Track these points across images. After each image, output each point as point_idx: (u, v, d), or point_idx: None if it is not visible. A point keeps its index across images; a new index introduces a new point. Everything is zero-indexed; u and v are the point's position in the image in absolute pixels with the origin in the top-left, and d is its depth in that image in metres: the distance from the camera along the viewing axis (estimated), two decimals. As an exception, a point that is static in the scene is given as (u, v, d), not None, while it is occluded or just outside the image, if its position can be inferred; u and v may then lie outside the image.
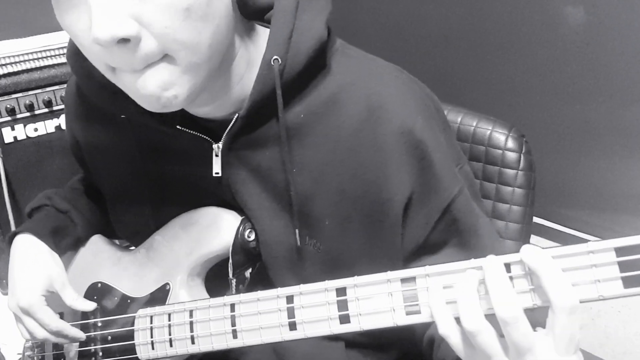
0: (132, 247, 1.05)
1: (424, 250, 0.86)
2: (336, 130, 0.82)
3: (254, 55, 0.83)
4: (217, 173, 0.87)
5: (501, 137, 1.17)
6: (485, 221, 0.88)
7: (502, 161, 1.17)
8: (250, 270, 0.92)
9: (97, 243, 1.09)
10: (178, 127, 0.86)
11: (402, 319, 0.67)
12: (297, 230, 0.85)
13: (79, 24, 0.67)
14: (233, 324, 0.78)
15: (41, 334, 0.96)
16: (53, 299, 0.97)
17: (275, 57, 0.78)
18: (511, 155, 1.16)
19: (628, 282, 0.56)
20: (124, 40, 0.65)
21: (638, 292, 0.56)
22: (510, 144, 1.16)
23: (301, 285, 0.73)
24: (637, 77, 1.41)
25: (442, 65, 1.79)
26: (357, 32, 1.95)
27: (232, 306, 0.79)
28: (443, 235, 0.85)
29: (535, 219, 1.21)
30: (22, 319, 0.96)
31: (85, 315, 1.00)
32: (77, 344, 1.00)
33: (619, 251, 0.57)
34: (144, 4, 0.65)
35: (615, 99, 1.46)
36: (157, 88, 0.69)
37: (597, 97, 1.50)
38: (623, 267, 0.57)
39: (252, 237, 0.89)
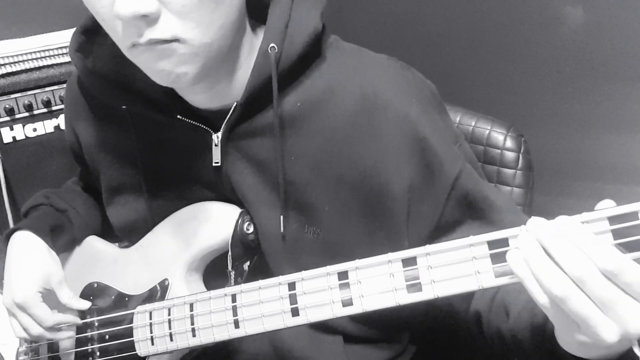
0: (128, 246, 1.05)
1: (440, 231, 0.86)
2: (332, 119, 0.84)
3: (254, 47, 0.85)
4: (217, 162, 0.88)
5: (500, 136, 1.18)
6: (492, 188, 0.88)
7: (500, 161, 1.18)
8: (248, 263, 0.92)
9: (92, 244, 1.09)
10: (179, 116, 0.87)
11: (404, 298, 0.67)
12: (281, 217, 0.87)
13: (101, 0, 0.70)
14: (235, 314, 0.78)
15: (35, 330, 0.95)
16: (48, 300, 0.97)
17: (272, 45, 0.80)
18: (510, 155, 1.17)
19: (621, 249, 0.57)
20: (144, 16, 0.68)
21: (631, 258, 0.57)
22: (509, 143, 1.17)
23: (303, 271, 0.74)
24: (636, 77, 1.42)
25: (441, 64, 1.79)
26: (356, 31, 1.96)
27: (234, 296, 0.79)
28: (457, 212, 0.85)
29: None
30: (17, 315, 0.95)
31: (82, 315, 0.99)
32: (73, 345, 1.00)
33: (612, 220, 0.58)
34: None
35: (614, 98, 1.47)
36: (172, 65, 0.74)
37: (596, 97, 1.50)
38: (616, 234, 0.58)
39: (251, 229, 0.90)
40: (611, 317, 0.55)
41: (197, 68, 0.75)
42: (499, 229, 0.82)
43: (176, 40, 0.72)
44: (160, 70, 0.74)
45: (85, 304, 0.98)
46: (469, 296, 0.88)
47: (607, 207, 0.59)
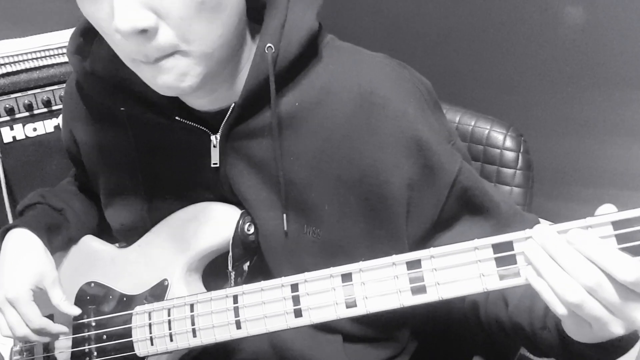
0: (125, 246, 1.04)
1: (438, 228, 0.87)
2: (330, 118, 0.84)
3: (252, 48, 0.85)
4: (216, 164, 0.89)
5: (499, 136, 1.18)
6: (489, 183, 0.90)
7: (500, 160, 1.18)
8: (248, 263, 0.92)
9: (88, 243, 1.08)
10: (177, 118, 0.87)
11: (408, 300, 0.68)
12: (284, 215, 0.87)
13: (101, 13, 0.70)
14: (237, 315, 0.78)
15: (21, 330, 0.93)
16: (42, 300, 0.96)
17: (268, 45, 0.81)
18: (509, 155, 1.17)
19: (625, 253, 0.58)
20: (143, 31, 0.68)
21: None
22: (509, 143, 1.17)
23: (306, 273, 0.74)
24: (636, 77, 1.42)
25: (441, 64, 1.80)
26: (356, 31, 1.96)
27: (235, 297, 0.79)
28: (456, 207, 0.86)
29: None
30: (5, 311, 0.94)
31: (78, 315, 0.98)
32: (70, 345, 0.99)
33: (616, 225, 0.59)
34: None
35: (613, 98, 1.47)
36: (173, 80, 0.74)
37: (595, 97, 1.50)
38: (620, 239, 0.59)
39: (252, 230, 0.90)
40: (620, 317, 0.59)
41: (199, 78, 0.75)
42: (497, 222, 0.84)
43: (177, 52, 0.72)
44: (162, 83, 0.75)
45: (76, 310, 0.96)
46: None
47: (608, 211, 0.60)
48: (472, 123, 1.21)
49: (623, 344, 0.67)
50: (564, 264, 0.59)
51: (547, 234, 0.61)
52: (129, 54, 0.73)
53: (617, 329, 0.59)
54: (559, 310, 0.60)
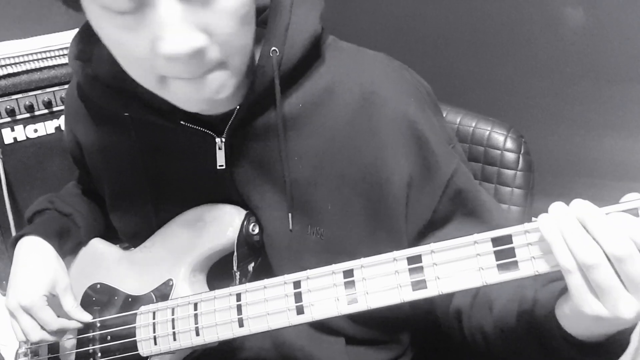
0: (131, 248, 1.05)
1: (432, 227, 0.87)
2: (333, 119, 0.85)
3: (254, 53, 0.86)
4: (222, 166, 0.89)
5: (500, 137, 1.18)
6: (483, 190, 0.91)
7: (500, 162, 1.18)
8: (253, 264, 0.93)
9: (94, 245, 1.09)
10: (182, 122, 0.87)
11: (409, 295, 0.68)
12: (290, 215, 0.87)
13: (136, 39, 0.68)
14: (239, 313, 0.78)
15: (38, 335, 0.94)
16: (51, 304, 0.96)
17: (273, 48, 0.81)
18: (510, 156, 1.17)
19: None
20: (197, 52, 0.67)
21: None
22: (509, 144, 1.18)
23: (308, 270, 0.74)
24: (636, 78, 1.42)
25: (441, 65, 1.80)
26: (356, 31, 1.96)
27: (238, 295, 0.79)
28: (449, 208, 0.87)
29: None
30: (20, 318, 0.95)
31: None
32: (74, 346, 1.00)
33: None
34: (210, 13, 0.67)
35: (614, 99, 1.47)
36: (212, 92, 0.73)
37: (596, 98, 1.50)
38: None
39: (257, 230, 0.90)
40: (635, 295, 0.58)
41: (232, 90, 0.76)
42: (488, 227, 0.85)
43: (219, 64, 0.71)
44: (203, 100, 0.74)
45: (87, 317, 0.97)
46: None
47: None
48: (473, 124, 1.21)
49: (612, 348, 0.66)
50: (594, 228, 0.59)
51: (581, 202, 0.62)
52: (164, 72, 0.70)
53: (627, 310, 0.58)
54: (567, 263, 0.60)
